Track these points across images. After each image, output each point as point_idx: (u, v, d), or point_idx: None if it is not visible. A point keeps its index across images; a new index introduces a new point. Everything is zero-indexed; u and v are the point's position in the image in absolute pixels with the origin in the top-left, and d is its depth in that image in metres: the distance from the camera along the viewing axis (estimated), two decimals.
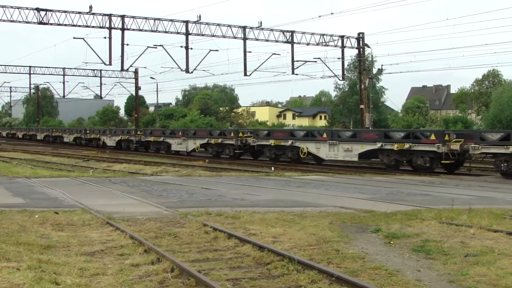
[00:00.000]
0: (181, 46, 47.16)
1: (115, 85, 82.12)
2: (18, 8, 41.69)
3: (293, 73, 51.03)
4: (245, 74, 50.07)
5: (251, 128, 61.69)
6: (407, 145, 30.49)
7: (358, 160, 34.36)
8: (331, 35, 50.70)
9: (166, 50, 49.27)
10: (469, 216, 14.12)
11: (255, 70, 51.34)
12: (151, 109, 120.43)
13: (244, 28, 47.86)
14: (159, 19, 45.61)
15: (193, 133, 48.64)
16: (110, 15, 44.00)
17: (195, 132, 49.00)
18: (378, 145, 32.11)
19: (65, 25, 42.96)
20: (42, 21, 42.33)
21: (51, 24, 42.72)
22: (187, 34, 46.25)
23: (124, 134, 59.40)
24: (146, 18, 45.30)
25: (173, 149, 49.07)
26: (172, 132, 51.73)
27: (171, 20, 45.87)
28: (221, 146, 43.86)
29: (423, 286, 8.67)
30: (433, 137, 29.80)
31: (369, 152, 33.30)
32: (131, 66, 51.02)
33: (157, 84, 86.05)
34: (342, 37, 51.05)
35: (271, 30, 48.70)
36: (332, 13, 50.54)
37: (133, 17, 44.93)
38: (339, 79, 56.24)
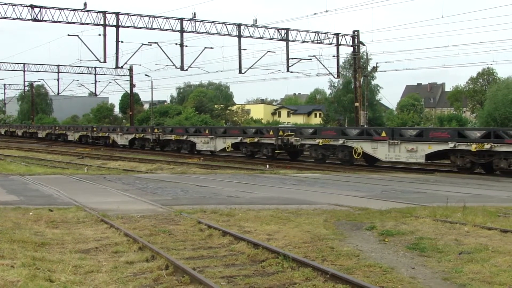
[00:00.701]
0: (176, 44, 47.19)
1: (110, 82, 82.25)
2: (12, 5, 41.67)
3: (288, 70, 51.12)
4: (240, 72, 50.19)
5: (291, 126, 56.97)
6: (487, 146, 27.48)
7: (425, 161, 31.27)
8: (326, 33, 50.78)
9: (160, 48, 49.32)
10: (464, 213, 14.13)
11: (250, 67, 51.39)
12: (146, 106, 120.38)
13: (239, 25, 47.87)
14: (153, 16, 45.62)
15: (222, 131, 44.84)
16: (104, 12, 43.97)
17: (225, 130, 45.16)
18: (451, 145, 28.97)
19: (60, 22, 43.00)
20: (36, 18, 42.31)
21: (45, 21, 42.75)
22: (182, 31, 46.25)
23: (139, 132, 55.03)
24: (140, 15, 45.30)
25: (199, 149, 45.35)
26: (198, 130, 47.35)
27: (166, 18, 45.87)
28: (257, 145, 40.25)
29: (417, 283, 8.67)
30: None
31: (438, 153, 30.28)
32: (125, 63, 51.00)
33: (151, 82, 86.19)
34: (337, 35, 51.11)
35: (266, 27, 48.75)
36: (327, 11, 50.81)
37: (128, 14, 44.91)
38: (334, 77, 56.38)
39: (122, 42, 45.13)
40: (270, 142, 38.99)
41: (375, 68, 62.50)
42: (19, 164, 35.83)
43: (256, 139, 39.94)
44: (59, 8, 42.78)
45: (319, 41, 50.64)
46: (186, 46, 47.18)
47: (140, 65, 60.54)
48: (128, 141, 56.16)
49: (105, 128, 64.81)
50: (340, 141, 34.41)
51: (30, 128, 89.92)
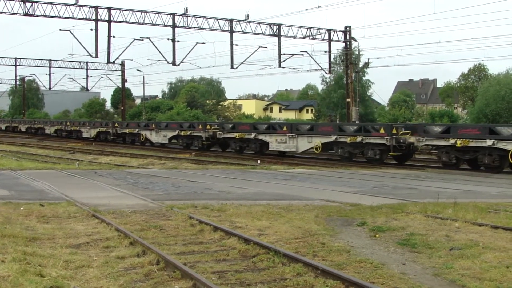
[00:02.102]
0: (168, 39, 47.12)
1: (102, 77, 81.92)
2: None
3: (280, 66, 51.10)
4: (232, 67, 50.10)
5: (409, 123, 48.41)
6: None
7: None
8: (318, 29, 50.76)
9: (152, 43, 49.16)
10: (454, 209, 14.18)
11: (242, 63, 51.36)
12: (138, 101, 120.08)
13: (231, 21, 47.81)
14: (145, 11, 45.51)
15: (308, 128, 38.20)
16: (96, 7, 43.83)
17: (312, 127, 38.14)
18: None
19: (51, 16, 42.81)
20: (28, 13, 42.14)
21: (37, 15, 42.58)
22: (173, 26, 46.16)
23: (185, 129, 46.96)
24: (132, 10, 45.18)
25: (273, 149, 38.87)
26: (271, 126, 40.41)
27: (158, 13, 45.77)
28: (359, 145, 33.22)
29: (408, 279, 8.69)
30: None
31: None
32: (117, 58, 51.02)
33: (143, 77, 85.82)
34: (329, 30, 51.12)
35: (258, 23, 48.71)
36: (319, 6, 50.49)
37: (120, 9, 44.80)
38: (325, 73, 56.37)
39: (114, 37, 45.06)
40: (379, 142, 32.10)
41: (366, 64, 62.62)
42: (10, 159, 35.73)
43: (359, 138, 32.78)
44: (51, 3, 42.60)
45: (311, 37, 50.64)
46: (178, 41, 47.11)
47: (132, 60, 60.78)
48: (167, 139, 48.92)
49: (133, 124, 58.02)
50: None
51: (35, 123, 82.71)
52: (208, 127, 43.87)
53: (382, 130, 32.07)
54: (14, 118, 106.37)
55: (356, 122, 48.97)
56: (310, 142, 36.35)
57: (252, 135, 39.78)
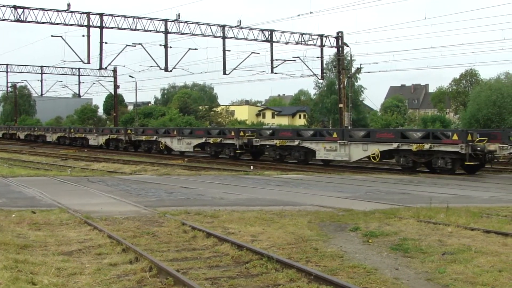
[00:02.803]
0: (160, 45, 47.01)
1: (94, 83, 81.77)
2: None
3: (272, 72, 51.06)
4: (224, 73, 50.02)
5: (483, 130, 40.21)
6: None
7: None
8: (310, 34, 50.80)
9: (145, 49, 49.07)
10: (447, 214, 14.20)
11: (234, 69, 51.30)
12: (130, 107, 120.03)
13: (223, 26, 47.81)
14: (138, 17, 45.44)
15: (363, 134, 34.09)
16: (88, 13, 43.74)
17: (368, 134, 34.10)
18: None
19: (43, 23, 42.68)
20: (20, 19, 42.00)
21: (28, 22, 42.41)
22: (166, 32, 46.10)
23: (213, 136, 43.36)
24: (124, 16, 45.10)
25: (320, 157, 35.53)
26: (318, 133, 36.78)
27: (150, 19, 45.71)
28: (426, 154, 30.24)
29: (401, 284, 8.70)
30: None
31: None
32: (109, 64, 50.61)
33: (136, 83, 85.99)
34: (321, 36, 51.17)
35: (250, 29, 48.72)
36: (311, 12, 50.86)
37: (112, 15, 44.71)
38: (318, 78, 56.40)
39: (106, 43, 44.91)
40: (452, 150, 29.10)
41: (359, 69, 62.91)
42: (1, 166, 35.60)
43: (428, 146, 29.63)
44: (43, 9, 42.52)
45: (303, 43, 50.68)
46: (170, 47, 47.03)
47: (124, 66, 60.34)
48: (192, 147, 45.20)
49: (151, 131, 53.68)
50: None
51: (35, 130, 78.76)
52: (241, 133, 40.27)
53: (455, 137, 28.92)
54: (10, 124, 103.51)
55: (349, 127, 48.99)
56: (366, 150, 32.81)
57: (296, 142, 36.47)
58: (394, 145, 31.02)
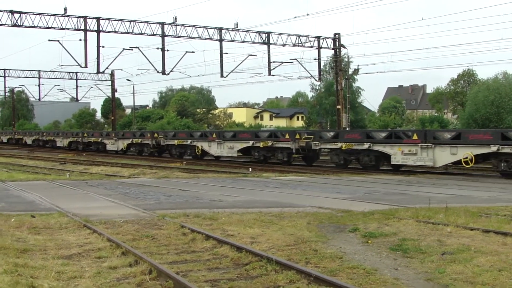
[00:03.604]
0: (157, 48, 47.02)
1: (91, 87, 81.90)
2: None
3: (269, 74, 51.12)
4: (222, 76, 50.12)
5: None
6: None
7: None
8: (307, 36, 50.87)
9: (142, 52, 49.11)
10: (446, 214, 14.20)
11: (232, 71, 51.48)
12: (128, 111, 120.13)
13: (220, 29, 47.86)
14: (134, 21, 45.48)
15: (453, 136, 29.72)
16: (85, 17, 43.76)
17: (459, 135, 29.61)
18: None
19: (40, 27, 42.70)
20: (16, 24, 42.01)
21: (25, 26, 42.41)
22: (163, 35, 46.13)
23: (263, 139, 39.29)
24: (121, 20, 45.12)
25: (397, 162, 31.37)
26: (394, 135, 32.45)
27: (147, 22, 45.75)
28: None
29: (400, 284, 8.70)
30: None
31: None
32: (107, 68, 50.70)
33: (133, 86, 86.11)
34: (318, 38, 51.22)
35: (247, 31, 48.78)
36: (308, 14, 50.58)
37: (109, 19, 44.73)
38: (315, 80, 56.58)
39: (103, 47, 44.91)
40: None
41: (356, 71, 62.81)
42: (0, 170, 35.59)
43: None
44: (39, 14, 42.52)
45: (300, 44, 50.75)
46: (167, 50, 47.03)
47: (121, 70, 60.65)
48: (235, 152, 41.45)
49: (183, 134, 48.81)
50: None
51: (44, 134, 74.63)
52: (297, 136, 36.64)
53: None
54: (18, 129, 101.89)
55: (347, 129, 49.03)
56: (455, 153, 28.83)
57: (365, 146, 32.55)
58: (493, 148, 27.08)
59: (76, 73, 77.86)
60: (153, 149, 49.52)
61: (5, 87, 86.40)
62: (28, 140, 78.20)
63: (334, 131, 39.41)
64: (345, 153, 33.90)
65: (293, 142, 36.61)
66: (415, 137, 30.57)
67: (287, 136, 37.56)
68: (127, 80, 78.90)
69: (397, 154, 31.00)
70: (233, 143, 41.35)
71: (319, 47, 51.43)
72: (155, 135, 50.12)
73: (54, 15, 42.95)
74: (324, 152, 38.26)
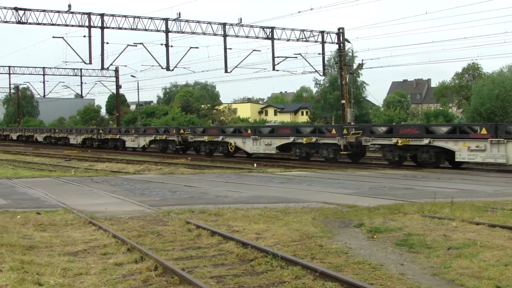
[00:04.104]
0: (161, 44, 47.02)
1: (96, 84, 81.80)
2: None
3: (274, 69, 51.09)
4: (226, 71, 50.09)
5: None
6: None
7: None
8: (311, 31, 50.78)
9: (146, 48, 49.11)
10: (451, 209, 14.19)
11: (236, 66, 51.41)
12: (133, 107, 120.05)
13: (224, 25, 47.81)
14: (138, 17, 45.46)
15: None
16: (89, 14, 43.77)
17: None
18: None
19: (44, 24, 42.73)
20: (21, 21, 42.06)
21: (30, 23, 42.46)
22: (167, 31, 46.12)
23: (306, 134, 37.09)
24: (125, 16, 45.12)
25: (462, 159, 29.10)
26: (458, 129, 30.01)
27: (151, 18, 45.73)
28: None
29: (406, 279, 8.69)
30: None
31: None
32: (111, 64, 50.75)
33: (137, 82, 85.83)
34: (322, 32, 51.14)
35: (251, 26, 48.71)
36: (311, 9, 50.88)
37: (113, 15, 44.73)
38: (320, 75, 56.38)
39: (107, 43, 44.90)
40: None
41: (360, 65, 62.63)
42: (6, 167, 35.66)
43: None
44: (44, 10, 42.55)
45: (304, 39, 50.67)
46: (171, 46, 47.04)
47: (126, 66, 60.14)
48: (274, 148, 38.79)
49: (215, 130, 46.66)
50: None
51: (56, 131, 71.29)
52: (345, 131, 34.21)
53: None
54: (28, 126, 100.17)
55: (351, 123, 48.95)
56: None
57: (425, 141, 30.10)
58: None
59: (81, 69, 77.92)
60: (179, 146, 47.23)
61: (10, 84, 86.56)
62: (39, 138, 75.13)
63: (387, 125, 36.99)
64: (401, 150, 31.55)
65: (341, 137, 34.19)
66: (483, 131, 28.18)
67: (333, 131, 35.20)
68: (132, 76, 78.89)
69: (462, 150, 28.72)
70: (270, 139, 38.98)
71: (323, 42, 51.34)
72: (181, 131, 47.58)
73: (58, 12, 42.96)
74: (372, 148, 36.14)
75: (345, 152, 34.20)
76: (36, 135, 76.66)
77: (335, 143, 34.67)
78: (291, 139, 37.28)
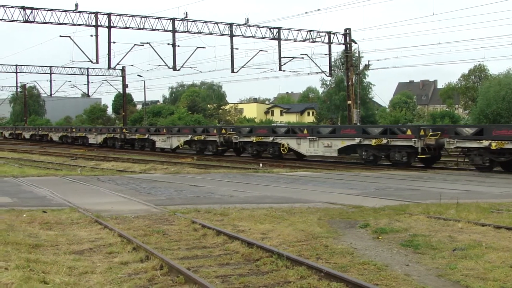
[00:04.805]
0: (168, 44, 47.10)
1: (103, 83, 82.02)
2: (3, 6, 41.49)
3: (280, 69, 51.14)
4: (233, 71, 50.13)
5: None
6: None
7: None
8: (318, 31, 50.78)
9: (153, 48, 49.23)
10: (457, 210, 14.18)
11: (243, 67, 51.45)
12: (139, 107, 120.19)
13: (230, 25, 47.85)
14: (145, 16, 45.54)
15: None
16: (96, 13, 43.87)
17: None
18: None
19: (51, 23, 42.86)
20: (28, 20, 42.21)
21: (37, 22, 42.63)
22: (174, 31, 46.19)
23: (375, 136, 33.37)
24: (132, 15, 45.22)
25: None
26: None
27: (158, 18, 45.80)
28: None
29: (411, 280, 8.69)
30: None
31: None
32: (118, 64, 50.86)
33: (144, 82, 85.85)
34: (328, 33, 51.13)
35: (258, 26, 48.74)
36: (318, 9, 50.74)
37: (120, 14, 44.83)
38: (326, 75, 56.43)
39: (114, 42, 45.05)
40: None
41: (367, 66, 62.55)
42: (12, 166, 35.73)
43: None
44: (51, 9, 42.67)
45: (311, 40, 50.68)
46: (178, 46, 47.10)
47: (132, 65, 60.25)
48: (335, 150, 35.34)
49: (265, 130, 42.14)
50: None
51: (73, 131, 67.84)
52: (422, 132, 30.69)
53: None
54: (40, 125, 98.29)
55: (357, 124, 48.91)
56: None
57: None
58: None
59: (88, 68, 78.10)
60: (222, 147, 43.71)
61: (16, 83, 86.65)
62: (55, 137, 71.65)
63: (476, 126, 32.53)
64: (493, 154, 27.97)
65: (418, 139, 30.63)
66: None
67: (409, 132, 31.56)
68: (138, 75, 79.20)
69: None
70: (331, 141, 35.41)
71: (329, 43, 51.35)
72: (223, 131, 43.85)
73: (65, 11, 43.08)
74: (454, 152, 32.26)
75: (422, 156, 30.97)
76: (51, 134, 73.61)
77: (411, 146, 31.09)
78: (356, 141, 33.69)
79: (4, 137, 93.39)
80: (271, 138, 39.16)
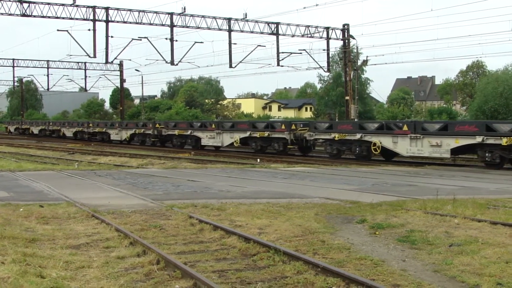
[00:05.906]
0: (166, 38, 47.03)
1: (100, 77, 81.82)
2: (0, 0, 41.36)
3: (278, 64, 51.10)
4: (231, 66, 50.05)
5: None
6: None
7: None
8: (316, 27, 50.76)
9: (151, 42, 49.13)
10: (454, 206, 14.19)
11: (241, 62, 51.39)
12: (137, 101, 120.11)
13: (229, 20, 47.80)
14: (143, 11, 45.49)
15: None
16: (94, 7, 43.79)
17: None
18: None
19: (49, 17, 42.78)
20: (25, 13, 42.12)
21: (34, 16, 42.54)
22: (172, 26, 46.13)
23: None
24: (130, 10, 45.13)
25: None
26: None
27: (156, 12, 45.73)
28: None
29: (408, 275, 8.70)
30: None
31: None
32: (115, 58, 50.80)
33: (142, 77, 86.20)
34: (327, 28, 51.11)
35: (256, 21, 48.70)
36: (317, 5, 50.33)
37: (118, 9, 44.75)
38: (324, 71, 56.32)
39: (112, 37, 45.05)
40: None
41: (365, 62, 62.68)
42: (9, 160, 35.71)
43: None
44: (48, 3, 42.57)
45: (309, 35, 50.63)
46: (176, 40, 47.06)
47: (130, 60, 60.23)
48: (448, 151, 29.08)
49: (350, 126, 35.88)
50: None
51: (89, 126, 62.32)
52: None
53: None
54: (53, 119, 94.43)
55: (355, 120, 48.89)
56: None
57: None
58: None
59: (85, 63, 77.93)
60: (291, 145, 39.01)
61: (13, 77, 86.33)
62: (68, 132, 66.79)
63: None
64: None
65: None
66: None
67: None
68: (136, 70, 78.91)
69: None
70: (440, 139, 29.18)
71: (328, 38, 51.32)
72: (293, 126, 38.71)
73: (63, 5, 42.99)
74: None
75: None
76: (64, 130, 68.30)
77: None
78: (477, 139, 27.40)
79: (9, 132, 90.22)
80: (358, 136, 33.53)
